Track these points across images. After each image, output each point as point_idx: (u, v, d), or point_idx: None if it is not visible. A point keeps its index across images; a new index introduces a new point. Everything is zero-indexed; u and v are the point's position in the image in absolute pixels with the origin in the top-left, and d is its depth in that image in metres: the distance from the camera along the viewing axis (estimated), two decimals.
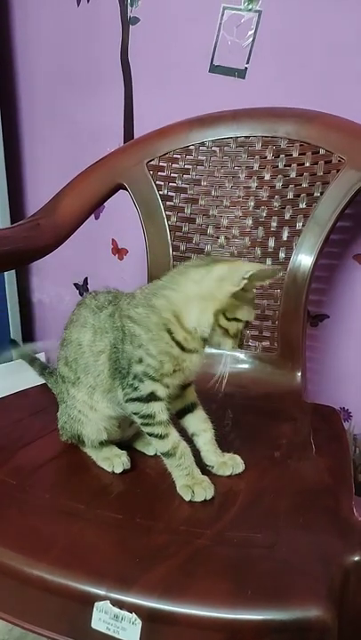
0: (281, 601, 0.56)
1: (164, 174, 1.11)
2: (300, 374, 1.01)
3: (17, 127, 1.62)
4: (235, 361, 1.05)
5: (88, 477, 0.77)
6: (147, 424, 0.73)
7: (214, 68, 1.24)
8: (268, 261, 1.05)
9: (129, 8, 1.32)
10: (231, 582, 0.57)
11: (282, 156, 1.04)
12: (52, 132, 1.56)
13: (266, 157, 1.06)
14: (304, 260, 1.01)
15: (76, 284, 1.64)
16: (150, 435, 0.73)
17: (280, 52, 1.16)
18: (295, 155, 1.03)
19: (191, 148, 1.10)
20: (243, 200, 1.08)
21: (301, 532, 0.64)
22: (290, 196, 1.04)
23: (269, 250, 1.05)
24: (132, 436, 0.84)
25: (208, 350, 0.75)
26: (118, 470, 0.77)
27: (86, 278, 1.61)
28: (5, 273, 1.56)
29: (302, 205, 1.02)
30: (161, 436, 0.72)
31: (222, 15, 1.20)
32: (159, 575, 0.59)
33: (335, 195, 0.99)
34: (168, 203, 1.11)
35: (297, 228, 1.02)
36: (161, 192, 1.11)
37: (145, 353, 0.72)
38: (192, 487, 0.71)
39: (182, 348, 0.73)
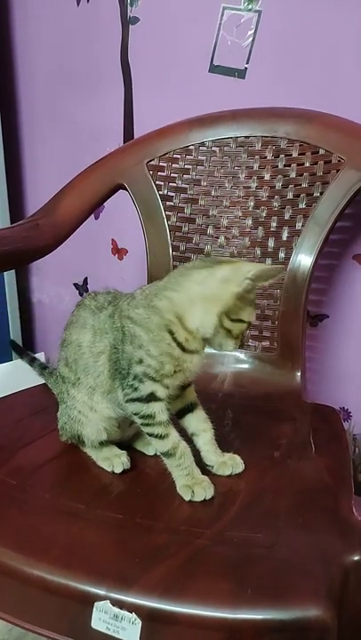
0: (281, 601, 0.56)
1: (164, 174, 1.11)
2: (299, 374, 1.01)
3: (17, 127, 1.62)
4: (235, 361, 1.05)
5: (88, 477, 0.77)
6: (147, 424, 0.73)
7: (214, 68, 1.24)
8: (268, 261, 1.05)
9: (129, 8, 1.32)
10: (231, 582, 0.57)
11: (282, 156, 1.04)
12: (52, 132, 1.56)
13: (266, 157, 1.06)
14: (304, 260, 1.01)
15: (75, 284, 1.64)
16: (150, 435, 0.73)
17: (280, 52, 1.16)
18: (295, 155, 1.03)
19: (191, 148, 1.10)
20: (243, 200, 1.08)
21: (301, 532, 0.65)
22: (290, 196, 1.04)
23: (269, 250, 1.05)
24: (132, 436, 0.84)
25: (208, 350, 0.75)
26: (118, 470, 0.77)
27: (86, 278, 1.61)
28: (5, 273, 1.56)
29: (302, 205, 1.02)
30: (161, 437, 0.72)
31: (222, 15, 1.20)
32: (159, 575, 0.59)
33: (335, 195, 0.99)
34: (168, 203, 1.11)
35: (297, 228, 1.02)
36: (161, 192, 1.11)
37: (145, 354, 0.72)
38: (192, 487, 0.71)
39: (183, 349, 0.72)
